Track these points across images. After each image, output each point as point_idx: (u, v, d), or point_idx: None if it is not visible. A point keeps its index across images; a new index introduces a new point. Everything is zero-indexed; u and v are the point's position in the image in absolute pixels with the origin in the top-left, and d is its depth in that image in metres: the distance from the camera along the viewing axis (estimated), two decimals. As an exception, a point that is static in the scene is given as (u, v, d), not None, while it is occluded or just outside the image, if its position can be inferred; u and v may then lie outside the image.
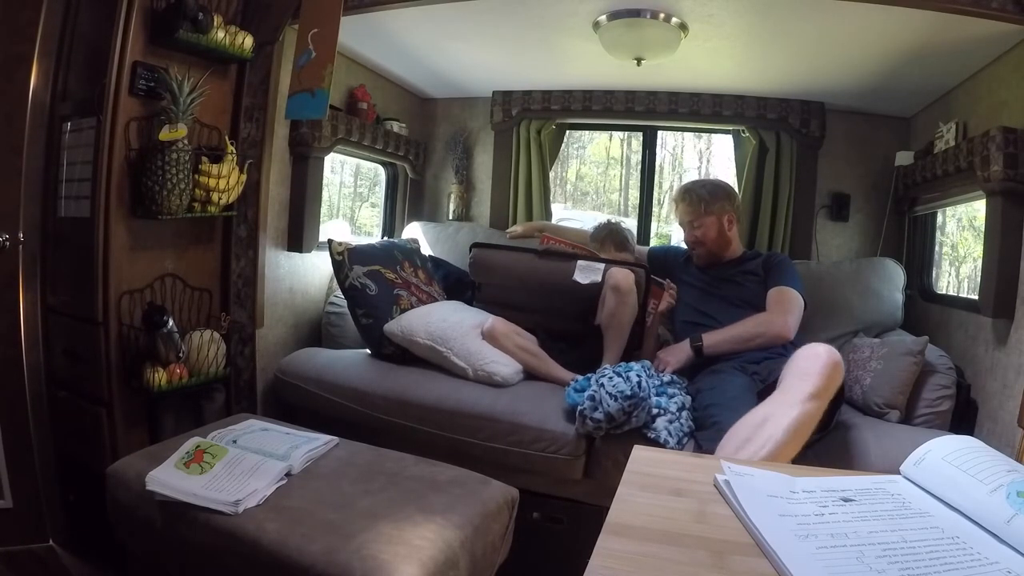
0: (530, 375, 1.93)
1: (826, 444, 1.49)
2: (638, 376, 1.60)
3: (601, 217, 2.74)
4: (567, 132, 3.08)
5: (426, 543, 1.07)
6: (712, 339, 1.84)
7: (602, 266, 1.99)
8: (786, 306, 1.86)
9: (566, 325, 2.07)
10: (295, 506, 1.16)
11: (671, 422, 1.59)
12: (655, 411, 1.61)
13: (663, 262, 2.27)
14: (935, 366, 1.70)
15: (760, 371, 1.71)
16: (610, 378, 1.60)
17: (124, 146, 1.61)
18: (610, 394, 1.55)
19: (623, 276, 1.91)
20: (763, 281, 1.97)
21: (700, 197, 2.04)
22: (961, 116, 2.01)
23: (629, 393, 1.54)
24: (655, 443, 1.54)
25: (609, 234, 2.26)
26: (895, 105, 2.45)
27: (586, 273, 1.99)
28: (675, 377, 1.81)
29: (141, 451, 1.39)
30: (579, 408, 1.59)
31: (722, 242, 2.06)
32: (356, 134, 2.40)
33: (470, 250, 2.22)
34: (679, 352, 1.88)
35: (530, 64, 2.54)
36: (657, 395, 1.66)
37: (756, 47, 2.14)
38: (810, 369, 1.33)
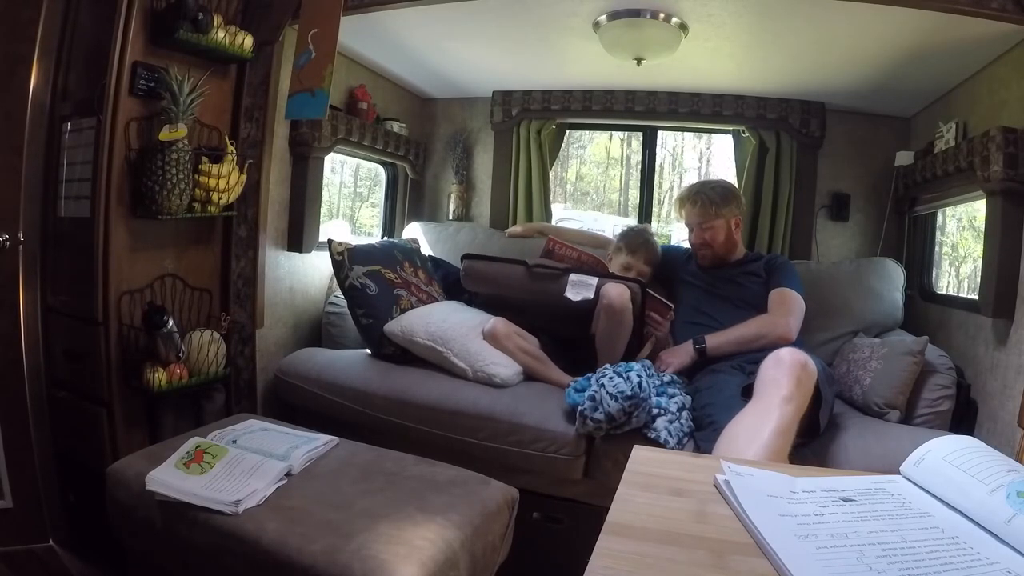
0: (530, 376, 1.92)
1: (826, 444, 1.50)
2: (638, 376, 1.60)
3: (602, 217, 2.71)
4: (567, 132, 3.07)
5: (426, 543, 1.07)
6: (715, 340, 1.84)
7: (595, 281, 1.89)
8: (788, 307, 1.85)
9: (564, 330, 2.04)
10: (295, 506, 1.16)
11: (671, 422, 1.59)
12: (655, 411, 1.61)
13: (664, 262, 2.27)
14: (935, 366, 1.70)
15: (757, 371, 1.71)
16: (610, 378, 1.60)
17: (124, 146, 1.61)
18: (610, 394, 1.55)
19: (617, 294, 1.82)
20: (765, 283, 1.97)
21: (711, 200, 2.01)
22: (961, 116, 2.01)
23: (629, 393, 1.54)
24: (655, 443, 1.54)
25: (643, 243, 2.17)
26: (895, 105, 2.45)
27: (578, 289, 1.89)
28: (675, 377, 1.80)
29: (141, 451, 1.39)
30: (579, 408, 1.59)
31: (729, 245, 2.06)
32: (356, 134, 2.40)
33: (461, 261, 2.14)
34: (681, 354, 1.87)
35: (530, 64, 2.54)
36: (657, 395, 1.66)
37: (756, 47, 2.13)
38: (778, 375, 1.34)
